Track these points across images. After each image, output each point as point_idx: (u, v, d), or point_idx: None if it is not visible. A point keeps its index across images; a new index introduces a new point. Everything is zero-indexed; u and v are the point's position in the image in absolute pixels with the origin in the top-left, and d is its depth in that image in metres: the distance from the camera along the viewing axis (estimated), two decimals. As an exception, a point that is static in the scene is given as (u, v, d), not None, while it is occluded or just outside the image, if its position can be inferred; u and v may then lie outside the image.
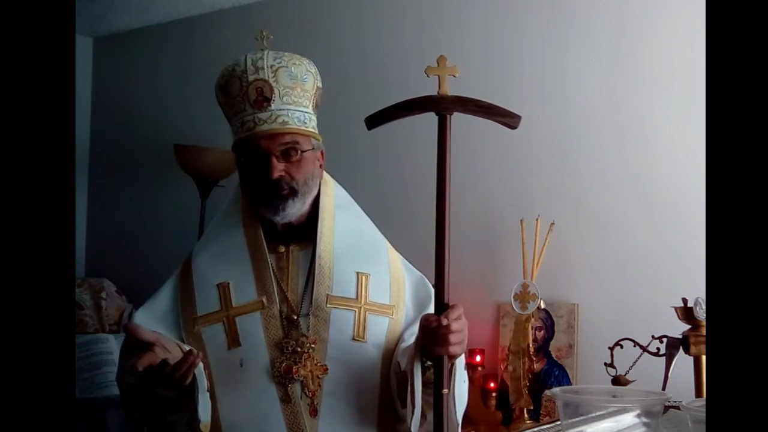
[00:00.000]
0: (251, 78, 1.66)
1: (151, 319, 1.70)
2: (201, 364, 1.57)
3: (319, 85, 1.75)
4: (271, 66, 1.67)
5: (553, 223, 2.78)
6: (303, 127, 1.69)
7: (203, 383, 1.56)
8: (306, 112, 1.70)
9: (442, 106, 1.52)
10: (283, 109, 1.66)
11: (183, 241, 3.19)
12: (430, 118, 1.55)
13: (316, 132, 1.73)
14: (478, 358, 2.84)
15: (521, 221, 2.79)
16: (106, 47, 4.26)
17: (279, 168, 1.65)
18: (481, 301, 2.94)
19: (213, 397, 1.62)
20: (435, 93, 1.54)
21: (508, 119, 1.55)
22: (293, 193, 1.67)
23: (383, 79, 3.22)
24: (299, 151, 1.68)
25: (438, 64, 1.55)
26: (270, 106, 1.65)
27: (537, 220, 2.77)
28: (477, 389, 2.78)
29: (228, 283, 1.68)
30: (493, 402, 2.78)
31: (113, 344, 3.26)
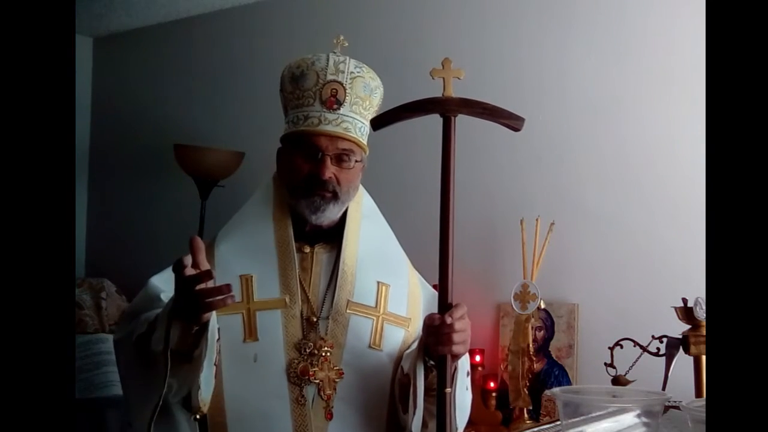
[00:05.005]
0: (329, 77, 1.69)
1: (169, 285, 1.70)
2: (216, 336, 1.53)
3: (381, 103, 1.78)
4: (351, 73, 1.72)
5: (553, 223, 2.78)
6: (362, 139, 1.72)
7: (212, 354, 1.53)
8: (365, 125, 1.73)
9: (447, 107, 1.53)
10: (350, 117, 1.69)
11: (183, 241, 3.19)
12: (433, 120, 1.55)
13: (367, 146, 1.75)
14: (478, 358, 2.84)
15: (521, 221, 2.79)
16: (106, 47, 4.27)
17: (331, 169, 1.67)
18: (481, 301, 2.94)
19: (219, 384, 1.60)
20: (439, 95, 1.54)
21: (512, 121, 1.56)
22: (335, 197, 1.69)
23: (384, 80, 3.21)
24: (352, 160, 1.70)
25: (443, 66, 1.56)
26: (339, 109, 1.68)
27: (537, 220, 2.77)
28: (477, 389, 2.78)
29: (252, 276, 1.68)
30: (493, 402, 2.78)
31: (113, 344, 3.26)
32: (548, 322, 2.75)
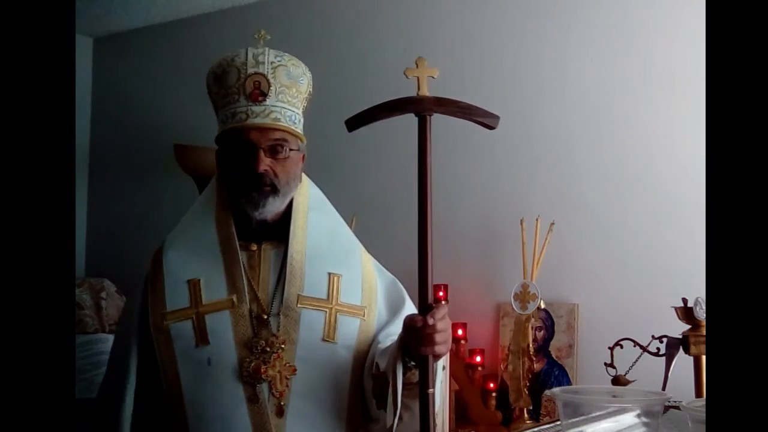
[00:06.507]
0: (250, 71, 1.67)
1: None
2: None
3: (311, 90, 1.76)
4: (272, 62, 1.69)
5: (553, 223, 2.78)
6: (293, 127, 1.70)
7: None
8: (297, 113, 1.72)
9: (421, 107, 1.52)
10: (277, 106, 1.67)
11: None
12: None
13: (303, 135, 1.73)
14: (478, 358, 2.84)
15: (521, 221, 2.79)
16: (106, 47, 4.26)
17: (265, 162, 1.66)
18: (481, 301, 2.94)
19: (178, 392, 1.64)
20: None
21: (487, 119, 1.55)
22: (274, 190, 1.68)
23: (384, 80, 3.22)
24: (287, 149, 1.68)
25: (417, 65, 1.55)
26: (265, 100, 1.66)
27: (537, 220, 2.77)
28: (477, 389, 2.78)
29: (199, 280, 1.68)
30: (493, 402, 2.77)
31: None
32: (548, 322, 2.75)
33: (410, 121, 1.57)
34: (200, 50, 3.84)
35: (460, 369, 2.75)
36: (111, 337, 3.31)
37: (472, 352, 2.85)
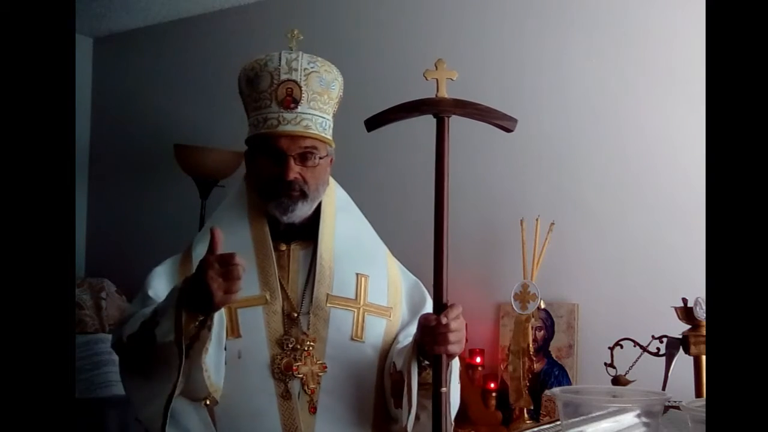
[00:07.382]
0: (283, 77, 1.68)
1: (162, 278, 1.73)
2: (224, 321, 1.56)
3: (341, 94, 1.78)
4: (305, 69, 1.70)
5: (553, 223, 2.78)
6: (324, 134, 1.71)
7: (221, 338, 1.54)
8: (327, 119, 1.73)
9: (440, 108, 1.53)
10: (309, 114, 1.69)
11: (183, 241, 3.19)
12: (431, 120, 1.55)
13: (332, 140, 1.75)
14: (478, 359, 2.84)
15: (521, 221, 2.79)
16: (106, 47, 4.26)
17: (295, 170, 1.68)
18: (481, 301, 2.94)
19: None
20: (434, 95, 1.54)
21: (505, 122, 1.56)
22: (303, 196, 1.69)
23: (384, 81, 3.22)
24: (317, 157, 1.70)
25: (436, 67, 1.55)
26: (297, 108, 1.67)
27: (537, 220, 2.77)
28: (477, 389, 2.78)
29: None
30: (493, 402, 2.78)
31: (111, 346, 3.26)
32: (548, 322, 2.75)
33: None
34: (200, 50, 3.85)
35: (461, 369, 2.75)
36: (111, 337, 3.31)
37: (472, 352, 2.85)
